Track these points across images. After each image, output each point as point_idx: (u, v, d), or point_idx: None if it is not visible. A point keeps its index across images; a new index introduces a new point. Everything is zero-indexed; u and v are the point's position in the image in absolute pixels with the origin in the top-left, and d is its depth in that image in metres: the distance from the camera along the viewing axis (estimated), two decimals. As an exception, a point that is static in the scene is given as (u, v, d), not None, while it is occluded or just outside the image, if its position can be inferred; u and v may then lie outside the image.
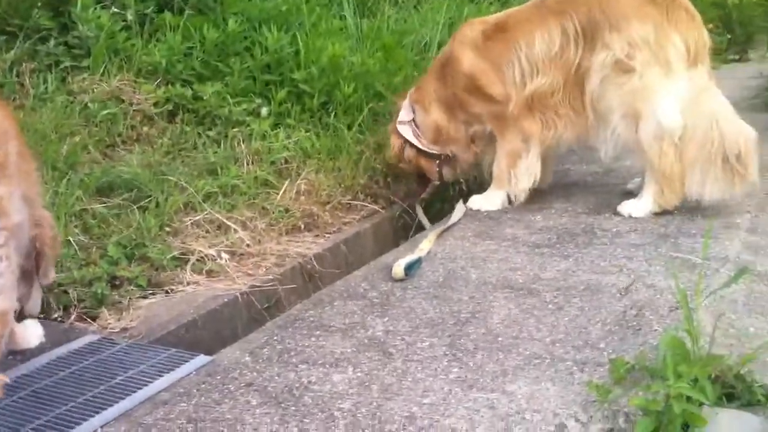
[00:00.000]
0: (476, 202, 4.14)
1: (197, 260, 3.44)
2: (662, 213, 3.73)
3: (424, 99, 4.22)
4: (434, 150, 4.27)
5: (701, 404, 2.18)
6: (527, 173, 4.05)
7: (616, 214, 3.80)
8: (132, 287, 3.13)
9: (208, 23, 4.75)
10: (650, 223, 3.66)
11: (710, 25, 7.67)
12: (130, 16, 4.68)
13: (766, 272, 3.13)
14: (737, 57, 7.37)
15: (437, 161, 4.29)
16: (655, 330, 2.64)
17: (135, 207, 3.65)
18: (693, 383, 2.20)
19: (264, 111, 4.66)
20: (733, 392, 2.33)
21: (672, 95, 3.65)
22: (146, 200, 3.73)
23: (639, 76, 3.67)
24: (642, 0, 3.71)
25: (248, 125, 4.52)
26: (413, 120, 4.25)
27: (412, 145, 4.27)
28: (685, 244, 3.35)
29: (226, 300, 3.15)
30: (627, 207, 3.83)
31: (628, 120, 3.72)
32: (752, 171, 3.60)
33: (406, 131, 4.26)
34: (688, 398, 2.16)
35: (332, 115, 4.70)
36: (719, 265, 3.11)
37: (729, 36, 7.81)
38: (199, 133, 4.42)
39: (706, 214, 3.69)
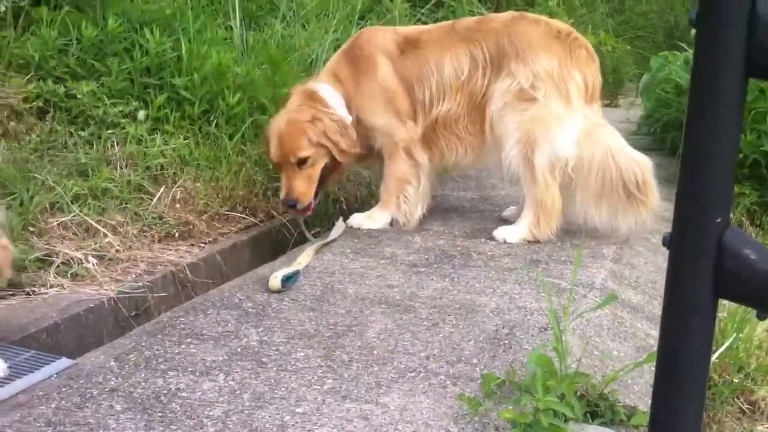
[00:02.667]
0: (358, 220, 4.07)
1: (62, 263, 3.28)
2: (534, 241, 3.83)
3: (348, 91, 4.05)
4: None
5: (567, 420, 2.24)
6: (417, 200, 4.03)
7: (491, 238, 3.88)
8: (-11, 287, 2.95)
9: (86, 20, 4.58)
10: (523, 249, 3.76)
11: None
12: (3, 8, 4.46)
13: (629, 300, 3.27)
14: (608, 102, 7.73)
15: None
16: (525, 348, 2.70)
17: (-2, 204, 3.45)
18: (560, 399, 2.27)
19: (141, 114, 4.49)
20: (597, 410, 2.42)
21: (570, 126, 3.76)
22: (10, 197, 3.54)
23: (540, 105, 3.74)
24: (548, 35, 3.84)
25: (124, 128, 4.35)
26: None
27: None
28: (555, 270, 3.46)
29: (91, 305, 3.01)
30: (502, 232, 3.90)
31: (522, 146, 3.77)
32: (653, 198, 3.75)
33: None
34: (555, 413, 2.22)
35: (213, 124, 4.59)
36: (586, 291, 3.22)
37: (601, 81, 8.17)
38: (70, 132, 4.22)
39: (575, 244, 3.82)
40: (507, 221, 4.11)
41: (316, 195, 3.98)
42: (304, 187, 3.91)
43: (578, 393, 2.39)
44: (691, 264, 1.47)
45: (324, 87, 4.03)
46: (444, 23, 4.25)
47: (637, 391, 2.59)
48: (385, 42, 4.01)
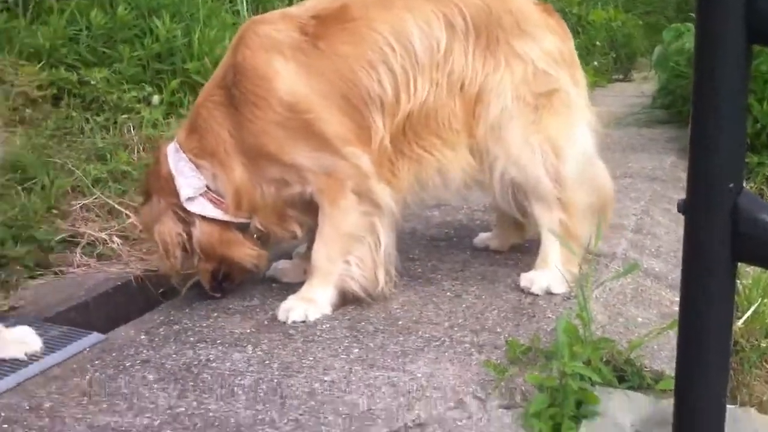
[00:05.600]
0: (295, 309, 2.72)
1: (88, 243, 3.32)
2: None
3: (215, 149, 2.76)
4: (242, 219, 2.83)
5: (594, 384, 2.26)
6: (375, 264, 2.80)
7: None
8: (19, 267, 3.00)
9: (95, 8, 4.63)
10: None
11: (597, 44, 8.06)
12: (14, -2, 4.52)
13: (651, 269, 3.28)
14: (621, 76, 7.72)
15: (254, 236, 2.87)
16: (549, 317, 2.72)
17: (20, 188, 3.50)
18: (586, 364, 2.29)
19: (155, 99, 4.56)
20: (623, 375, 2.43)
21: (589, 127, 3.02)
22: (31, 182, 3.59)
23: (561, 97, 2.90)
24: (536, 6, 2.98)
25: (138, 113, 4.42)
26: (207, 187, 2.78)
27: (212, 221, 2.79)
28: (575, 241, 3.46)
29: (119, 283, 3.05)
30: (537, 282, 2.91)
31: (542, 156, 2.87)
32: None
33: (202, 206, 2.78)
34: (582, 377, 2.24)
35: (227, 107, 4.63)
36: (608, 261, 3.23)
37: (614, 56, 8.17)
38: (86, 119, 4.29)
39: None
40: (485, 248, 3.34)
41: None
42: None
43: (604, 359, 2.41)
44: (707, 229, 1.49)
45: (171, 151, 2.83)
46: None
47: (663, 357, 2.60)
48: (282, 36, 2.74)
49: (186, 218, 2.80)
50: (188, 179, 2.77)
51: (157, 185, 2.84)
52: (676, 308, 1.63)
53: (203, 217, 2.78)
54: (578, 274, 2.86)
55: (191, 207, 2.78)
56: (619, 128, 5.80)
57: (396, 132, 2.78)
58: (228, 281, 2.89)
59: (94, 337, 2.53)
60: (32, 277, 3.00)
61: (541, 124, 2.87)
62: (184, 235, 2.79)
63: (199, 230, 2.79)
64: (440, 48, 2.78)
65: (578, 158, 2.94)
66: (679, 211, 1.48)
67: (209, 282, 2.87)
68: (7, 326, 2.42)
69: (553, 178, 2.89)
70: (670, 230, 3.80)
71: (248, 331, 2.61)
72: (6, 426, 1.98)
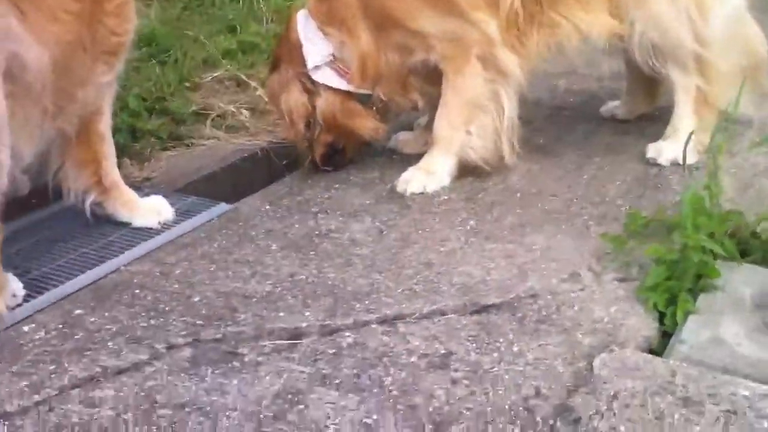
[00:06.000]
0: (414, 180, 2.75)
1: (217, 116, 3.44)
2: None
3: (344, 16, 2.76)
4: (366, 90, 2.84)
5: (716, 257, 2.19)
6: (498, 134, 2.79)
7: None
8: (153, 139, 3.14)
9: None
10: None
11: None
12: None
13: (790, 137, 3.09)
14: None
15: (374, 108, 2.88)
16: (675, 188, 2.65)
17: (155, 61, 3.63)
18: (710, 236, 2.21)
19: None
20: (747, 249, 2.35)
21: None
22: (165, 55, 3.70)
23: None
24: None
25: (269, -18, 4.44)
26: (333, 55, 2.81)
27: (336, 91, 2.83)
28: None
29: (246, 154, 3.16)
30: (664, 152, 2.85)
31: (686, 9, 2.76)
32: None
33: (326, 74, 2.82)
34: (704, 250, 2.18)
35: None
36: (744, 129, 3.06)
37: None
38: (218, -11, 4.35)
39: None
40: (612, 117, 3.26)
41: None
42: None
43: (729, 231, 2.33)
44: None
45: (301, 18, 2.84)
46: None
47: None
48: None
49: (312, 88, 2.84)
50: (316, 46, 2.79)
51: (286, 53, 2.87)
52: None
53: (328, 87, 2.82)
54: (710, 144, 2.66)
55: (317, 76, 2.81)
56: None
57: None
58: (341, 155, 2.93)
59: (222, 207, 2.64)
60: (165, 149, 3.13)
61: None
62: (309, 106, 2.84)
63: (323, 100, 2.83)
64: None
65: (726, 18, 2.78)
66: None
67: (322, 155, 2.92)
68: (141, 196, 2.56)
69: (696, 39, 2.76)
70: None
71: (367, 202, 2.67)
72: (138, 291, 2.12)
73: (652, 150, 2.85)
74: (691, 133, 2.57)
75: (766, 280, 2.16)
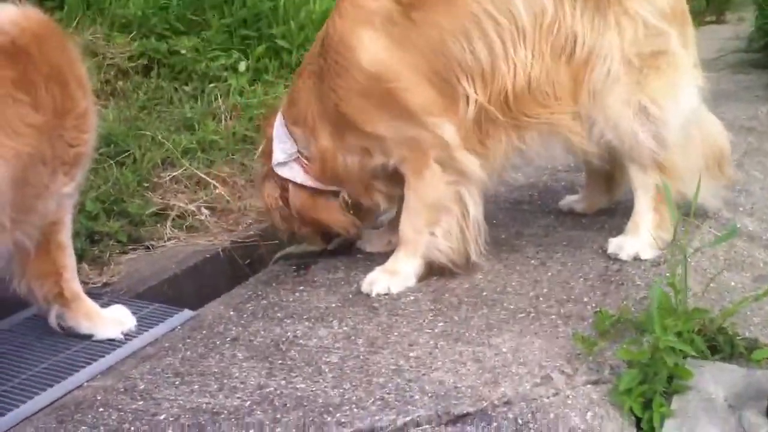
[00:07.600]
0: (379, 282, 2.73)
1: (177, 216, 3.41)
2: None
3: (306, 116, 2.81)
4: (331, 187, 2.89)
5: (686, 357, 2.20)
6: (463, 235, 2.78)
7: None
8: (112, 242, 3.10)
9: (185, -24, 4.68)
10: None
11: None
12: (104, -32, 4.59)
13: (745, 228, 3.15)
14: (714, 18, 7.40)
15: (347, 204, 2.90)
16: (638, 284, 2.66)
17: (112, 162, 3.60)
18: (678, 336, 2.22)
19: (242, 66, 4.62)
20: (715, 345, 2.36)
21: (697, 87, 2.90)
22: (123, 155, 3.68)
23: (672, 56, 2.78)
24: None
25: (225, 80, 4.49)
26: (298, 152, 2.86)
27: (302, 187, 2.88)
28: (665, 201, 3.36)
29: (207, 255, 3.13)
30: (625, 248, 2.86)
31: (641, 113, 2.77)
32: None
33: (292, 171, 2.88)
34: (674, 350, 2.18)
35: (311, 71, 4.64)
36: (699, 222, 3.12)
37: (707, -1, 7.83)
38: (175, 88, 4.38)
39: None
40: (570, 212, 3.29)
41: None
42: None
43: (696, 329, 2.34)
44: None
45: (278, 116, 2.93)
46: None
47: (756, 323, 2.52)
48: (377, 4, 2.67)
49: (283, 183, 2.89)
50: (283, 144, 2.87)
51: (266, 148, 2.99)
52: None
53: (294, 183, 2.88)
54: (670, 240, 2.70)
55: (281, 171, 2.88)
56: (711, 73, 5.53)
57: (492, 102, 2.69)
58: (336, 236, 3.02)
59: (186, 314, 2.60)
60: (124, 252, 3.09)
61: (644, 85, 2.75)
62: (281, 200, 2.92)
63: (291, 194, 2.89)
64: (546, 14, 2.65)
65: (682, 120, 2.81)
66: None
67: (316, 239, 3.02)
68: (102, 305, 2.50)
69: (653, 141, 2.78)
70: (765, 186, 3.64)
71: (333, 305, 2.64)
72: (102, 409, 2.05)
73: (614, 245, 2.89)
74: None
75: (736, 378, 2.17)
